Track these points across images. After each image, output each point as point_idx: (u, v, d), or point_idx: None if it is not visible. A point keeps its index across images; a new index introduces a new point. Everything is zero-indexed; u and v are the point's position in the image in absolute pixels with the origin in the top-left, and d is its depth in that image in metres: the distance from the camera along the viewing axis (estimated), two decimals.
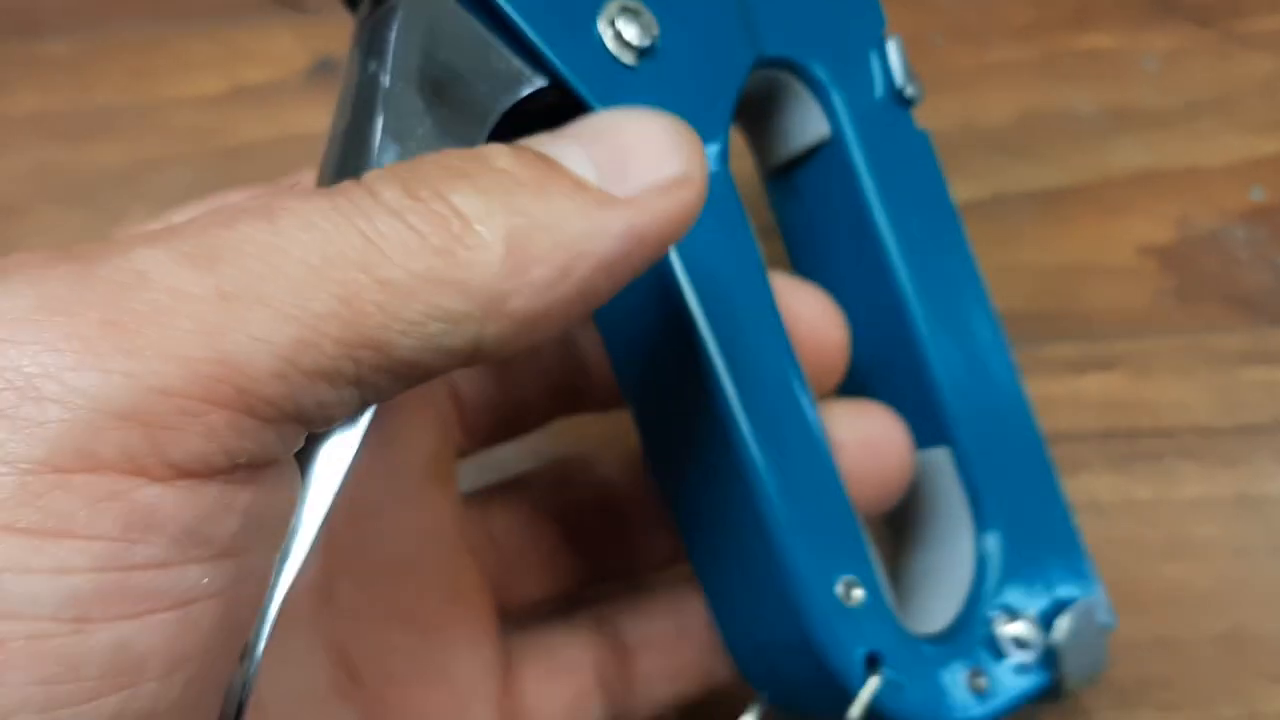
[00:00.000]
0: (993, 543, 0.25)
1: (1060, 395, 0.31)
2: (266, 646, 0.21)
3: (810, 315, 0.24)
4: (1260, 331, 0.32)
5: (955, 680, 0.23)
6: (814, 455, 0.22)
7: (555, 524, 0.26)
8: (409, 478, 0.24)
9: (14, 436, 0.14)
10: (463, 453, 0.26)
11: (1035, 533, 0.25)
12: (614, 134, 0.18)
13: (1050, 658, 0.24)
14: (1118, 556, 0.28)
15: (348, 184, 0.16)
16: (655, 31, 0.21)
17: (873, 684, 0.22)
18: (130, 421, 0.14)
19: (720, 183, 0.22)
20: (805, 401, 0.22)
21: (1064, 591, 0.25)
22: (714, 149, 0.22)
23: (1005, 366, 0.26)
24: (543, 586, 0.26)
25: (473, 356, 0.16)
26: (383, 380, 0.16)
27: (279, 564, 0.17)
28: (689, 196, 0.18)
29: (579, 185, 0.17)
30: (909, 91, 0.25)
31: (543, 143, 0.18)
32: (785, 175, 0.26)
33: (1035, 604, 0.25)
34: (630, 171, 0.17)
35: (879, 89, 0.25)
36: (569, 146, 0.18)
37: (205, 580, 0.15)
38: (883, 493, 0.25)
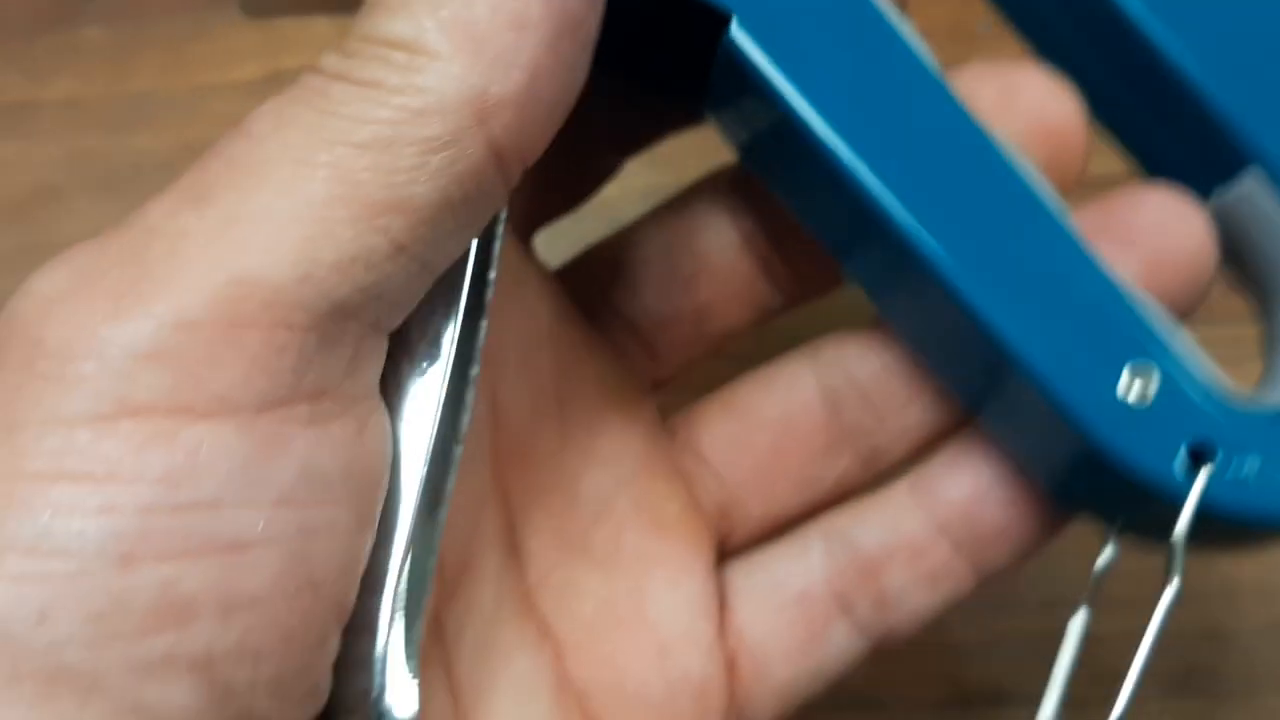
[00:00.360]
0: None
1: None
2: (454, 611, 0.20)
3: (1026, 97, 0.21)
4: None
5: None
6: (1053, 250, 0.19)
7: (780, 427, 0.23)
8: (586, 412, 0.22)
9: (56, 394, 0.14)
10: (659, 380, 0.24)
11: None
12: None
13: None
14: None
15: (304, 73, 0.16)
16: None
17: (1201, 480, 0.18)
18: (162, 360, 0.14)
19: None
20: (1023, 192, 0.19)
21: None
22: None
23: None
24: (772, 506, 0.23)
25: (502, 160, 0.16)
26: (432, 234, 0.16)
27: (387, 528, 0.17)
28: None
29: None
30: None
31: None
32: None
33: None
34: None
35: None
36: None
37: (260, 526, 0.15)
38: (1186, 269, 0.21)
